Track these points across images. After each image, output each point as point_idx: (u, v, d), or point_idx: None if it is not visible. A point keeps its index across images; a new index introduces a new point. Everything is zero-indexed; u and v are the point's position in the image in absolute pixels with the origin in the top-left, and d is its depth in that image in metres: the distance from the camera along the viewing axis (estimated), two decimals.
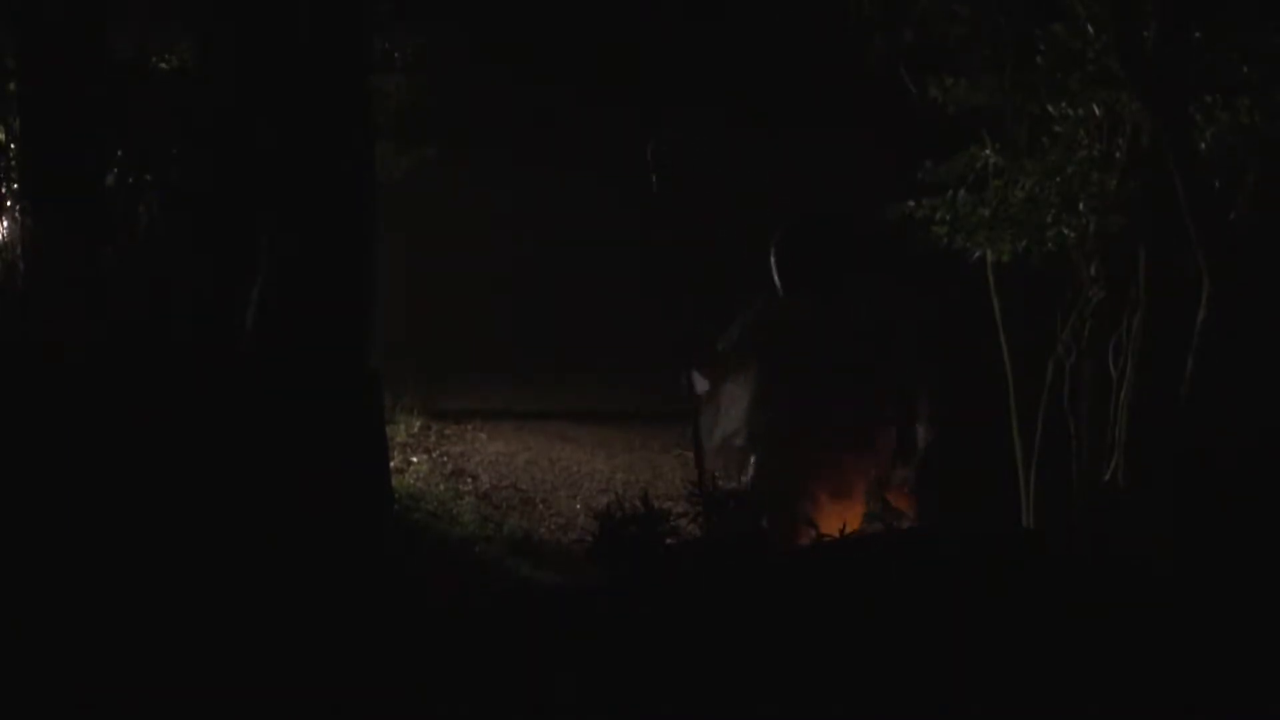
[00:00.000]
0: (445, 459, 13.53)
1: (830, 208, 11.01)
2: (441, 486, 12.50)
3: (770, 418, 6.93)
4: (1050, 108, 9.42)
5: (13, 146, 9.43)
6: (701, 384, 8.42)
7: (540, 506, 12.37)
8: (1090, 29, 8.93)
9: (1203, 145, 8.51)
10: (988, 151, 9.79)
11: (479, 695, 3.80)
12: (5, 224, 9.50)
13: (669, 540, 6.64)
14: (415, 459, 13.25)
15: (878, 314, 6.72)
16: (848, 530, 6.90)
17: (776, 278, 7.41)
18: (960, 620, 4.18)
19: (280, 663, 4.43)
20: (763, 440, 7.27)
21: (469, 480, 12.94)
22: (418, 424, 14.26)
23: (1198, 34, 8.46)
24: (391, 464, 10.46)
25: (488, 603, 4.93)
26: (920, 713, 3.78)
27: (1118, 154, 9.36)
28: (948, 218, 9.77)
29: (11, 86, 9.12)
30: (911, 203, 9.88)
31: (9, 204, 9.49)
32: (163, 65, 10.16)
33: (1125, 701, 3.85)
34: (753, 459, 8.30)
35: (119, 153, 9.52)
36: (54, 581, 5.35)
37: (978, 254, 9.95)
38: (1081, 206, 9.40)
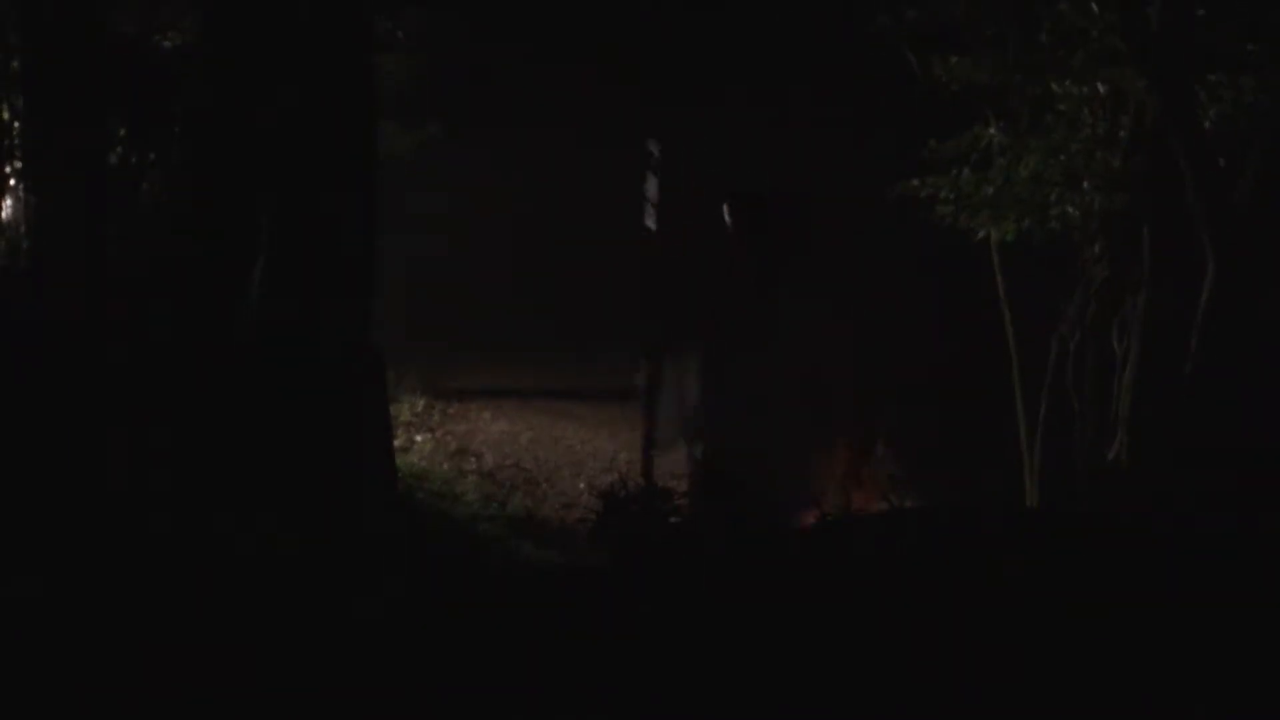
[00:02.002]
0: (449, 438, 13.54)
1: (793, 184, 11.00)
2: (445, 465, 12.50)
3: (721, 415, 6.67)
4: (1054, 85, 9.41)
5: (16, 125, 9.44)
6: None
7: (544, 485, 12.37)
8: (1094, 6, 8.91)
9: (1207, 124, 8.50)
10: (992, 130, 9.79)
11: (477, 694, 3.81)
12: (9, 202, 9.52)
13: (673, 519, 6.62)
14: (419, 438, 13.25)
15: (832, 302, 6.48)
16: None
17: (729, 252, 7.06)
18: (971, 605, 4.18)
19: (280, 650, 4.43)
20: (713, 440, 7.02)
21: (473, 459, 12.94)
22: (421, 403, 14.26)
23: (1202, 11, 8.45)
24: (395, 443, 10.45)
25: (487, 594, 4.90)
26: (932, 696, 3.79)
27: (1122, 132, 9.35)
28: (952, 196, 9.78)
29: (15, 64, 9.13)
30: (915, 181, 9.88)
31: (12, 182, 9.51)
32: (166, 44, 10.15)
33: (1127, 686, 3.85)
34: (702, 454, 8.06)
35: (122, 131, 9.53)
36: (56, 559, 5.36)
37: (981, 233, 9.97)
38: (1086, 185, 9.40)
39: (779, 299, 6.30)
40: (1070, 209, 9.43)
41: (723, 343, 6.18)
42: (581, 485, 12.28)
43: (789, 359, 6.16)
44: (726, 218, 6.20)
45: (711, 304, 6.30)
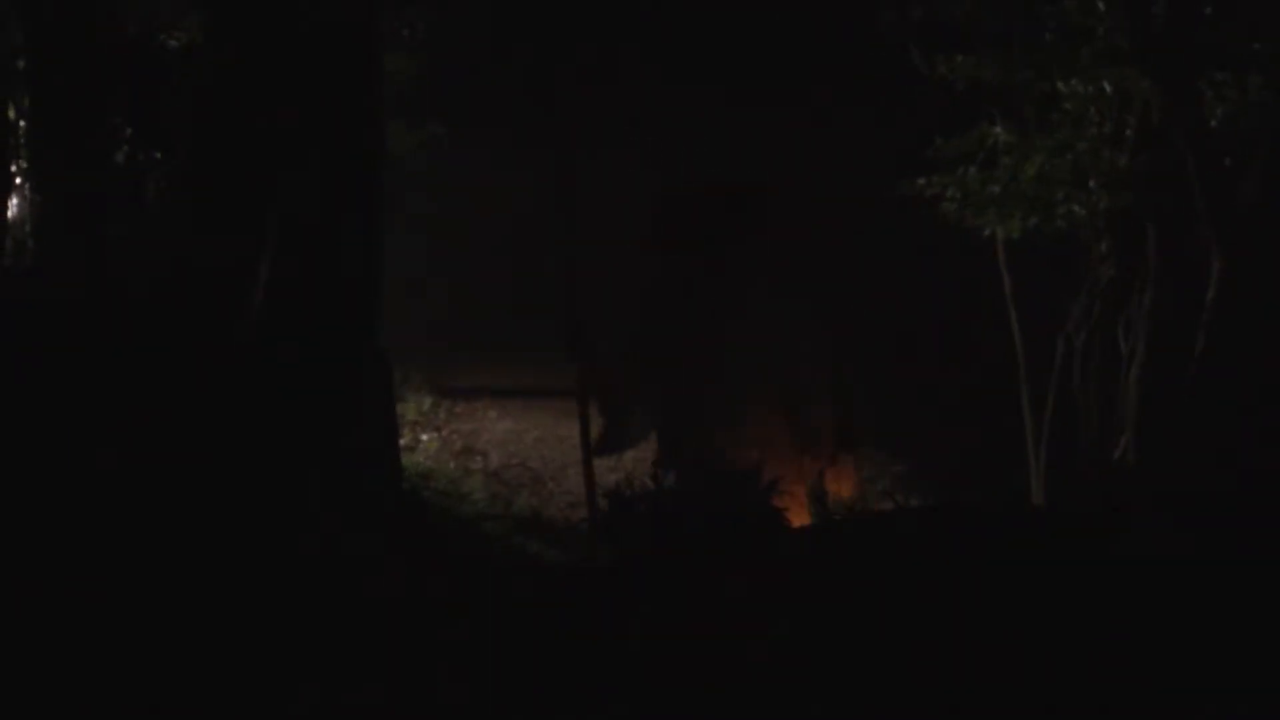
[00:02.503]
0: (455, 436, 13.50)
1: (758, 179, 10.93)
2: (451, 464, 12.48)
3: (683, 420, 6.52)
4: (1060, 84, 9.39)
5: (22, 124, 9.42)
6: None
7: (550, 484, 12.34)
8: (1100, 4, 8.89)
9: (1213, 123, 8.48)
10: (997, 128, 9.77)
11: (478, 693, 3.81)
12: (15, 201, 9.49)
13: (679, 519, 6.60)
14: (425, 436, 13.22)
15: (777, 299, 6.33)
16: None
17: (655, 241, 6.73)
18: (974, 604, 4.17)
19: (282, 648, 4.43)
20: (680, 442, 6.86)
21: (479, 458, 12.91)
22: (428, 402, 14.21)
23: (1208, 10, 8.43)
24: (401, 441, 10.44)
25: (489, 594, 4.90)
26: (934, 695, 3.78)
27: (1128, 131, 9.34)
28: (957, 195, 9.77)
29: (21, 64, 9.11)
30: (922, 180, 9.87)
31: (19, 182, 9.48)
32: (172, 43, 10.13)
33: (1132, 685, 3.85)
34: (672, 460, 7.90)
35: (128, 130, 9.51)
36: (59, 559, 5.35)
37: (987, 231, 9.96)
38: (1092, 184, 9.39)
39: (757, 300, 6.20)
40: (1077, 208, 9.42)
41: (696, 345, 6.05)
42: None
43: (762, 362, 6.06)
44: (659, 224, 5.95)
45: (683, 305, 6.15)
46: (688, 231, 5.74)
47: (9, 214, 9.30)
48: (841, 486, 7.55)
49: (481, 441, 13.41)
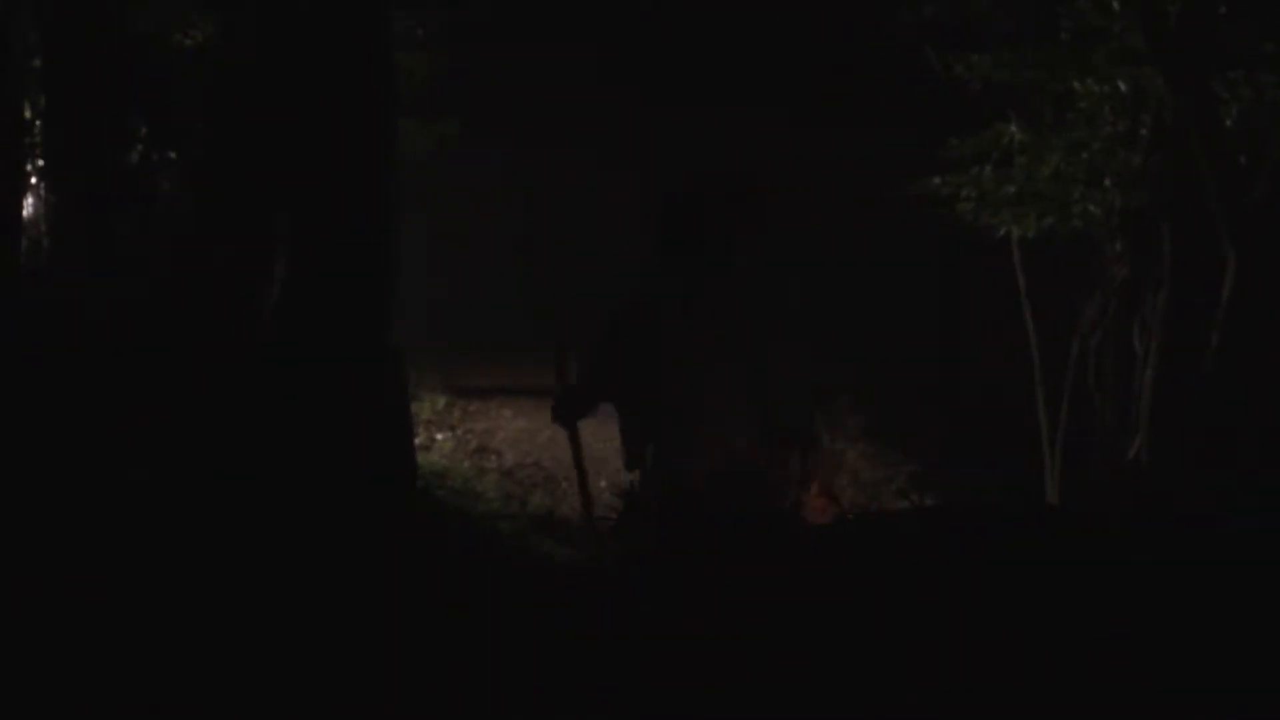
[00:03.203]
0: (469, 436, 13.52)
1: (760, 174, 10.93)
2: (465, 464, 12.49)
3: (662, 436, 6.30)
4: (1075, 84, 9.38)
5: (37, 124, 9.46)
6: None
7: (564, 484, 12.33)
8: (1115, 3, 8.88)
9: (1228, 122, 8.45)
10: (1012, 127, 9.76)
11: (478, 693, 3.80)
12: (30, 201, 9.53)
13: (693, 519, 6.59)
14: (439, 436, 13.24)
15: (775, 303, 6.14)
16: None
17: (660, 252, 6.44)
18: (977, 604, 4.16)
19: (288, 646, 4.43)
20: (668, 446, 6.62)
21: (493, 457, 12.92)
22: (442, 401, 14.24)
23: (1223, 9, 8.41)
24: (416, 440, 10.44)
25: (491, 593, 4.89)
26: (940, 698, 3.77)
27: (1143, 130, 9.33)
28: (973, 194, 9.76)
29: (36, 63, 9.15)
30: (938, 179, 9.87)
31: (34, 181, 9.53)
32: (187, 42, 10.16)
33: (1142, 688, 3.83)
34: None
35: (142, 130, 9.55)
36: (61, 563, 5.36)
37: (1002, 231, 9.95)
38: (1107, 183, 9.38)
39: (758, 299, 6.06)
40: (1092, 207, 9.42)
41: (697, 344, 5.86)
42: (602, 484, 12.18)
43: (763, 362, 5.88)
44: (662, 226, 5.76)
45: (685, 305, 5.96)
46: (691, 232, 5.61)
47: (24, 213, 9.35)
48: (821, 488, 7.45)
49: (496, 441, 13.42)
